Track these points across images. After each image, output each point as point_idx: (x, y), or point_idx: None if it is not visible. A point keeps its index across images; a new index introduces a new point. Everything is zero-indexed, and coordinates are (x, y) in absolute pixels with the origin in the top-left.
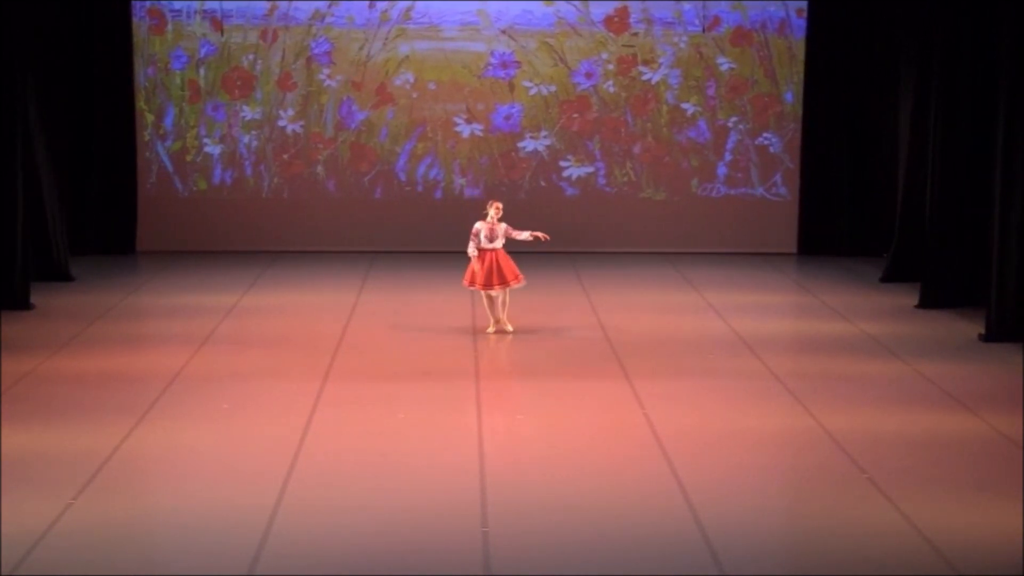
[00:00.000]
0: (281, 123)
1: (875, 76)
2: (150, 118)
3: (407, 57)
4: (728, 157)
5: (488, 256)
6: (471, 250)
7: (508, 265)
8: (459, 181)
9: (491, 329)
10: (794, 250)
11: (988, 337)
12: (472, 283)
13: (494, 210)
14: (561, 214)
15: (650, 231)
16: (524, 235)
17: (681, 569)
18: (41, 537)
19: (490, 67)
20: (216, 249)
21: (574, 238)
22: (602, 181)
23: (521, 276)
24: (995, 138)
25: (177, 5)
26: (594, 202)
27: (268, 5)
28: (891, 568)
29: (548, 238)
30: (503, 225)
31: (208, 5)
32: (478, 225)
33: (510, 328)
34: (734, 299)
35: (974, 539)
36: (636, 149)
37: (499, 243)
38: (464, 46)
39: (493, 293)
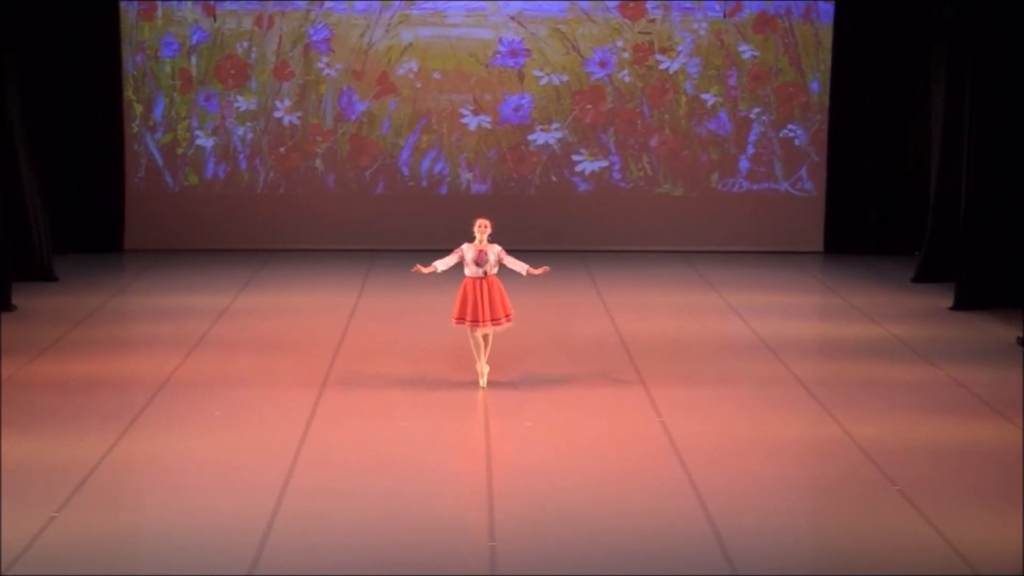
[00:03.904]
0: (277, 114)
1: (906, 64)
2: (139, 109)
3: (410, 45)
4: (750, 150)
5: (477, 285)
6: (441, 264)
7: (501, 298)
8: (465, 176)
9: (483, 381)
10: (820, 248)
11: None
12: (462, 319)
13: (480, 230)
14: (573, 211)
15: (667, 228)
16: (520, 268)
17: None
18: (22, 553)
19: (498, 55)
20: (208, 247)
21: (587, 236)
22: (617, 176)
23: (512, 314)
24: None
25: None
26: (608, 198)
27: None
28: None
29: (548, 270)
30: (496, 247)
31: None
32: (464, 247)
33: (486, 375)
34: (756, 300)
35: (1012, 555)
36: (653, 142)
37: (491, 269)
38: (471, 33)
39: (481, 332)
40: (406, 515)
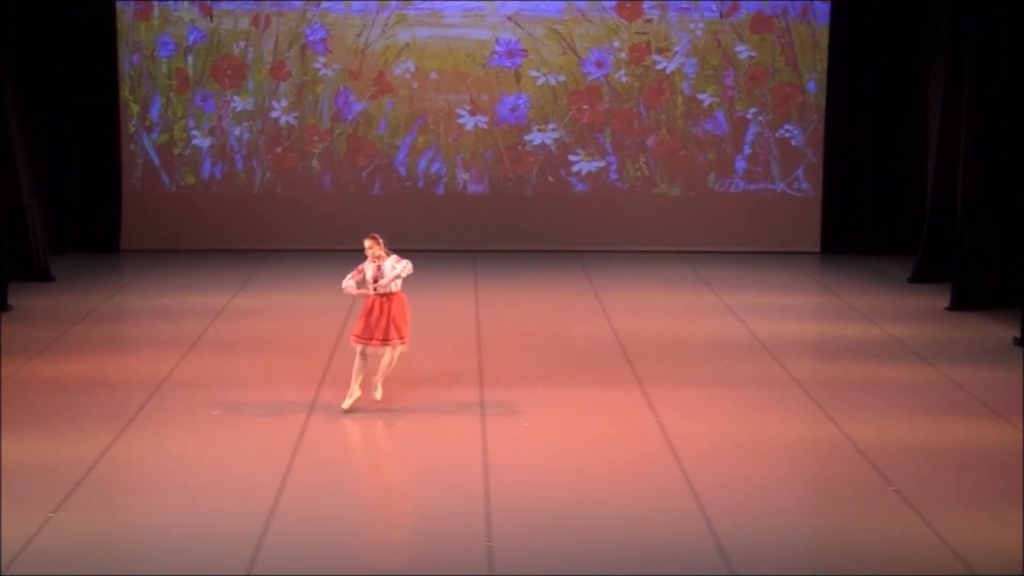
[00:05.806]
0: (274, 114)
1: (903, 64)
2: (135, 109)
3: (407, 45)
4: (747, 150)
5: (375, 303)
6: (346, 282)
7: (399, 317)
8: (462, 176)
9: (347, 402)
10: (817, 248)
11: None
12: (356, 335)
13: (371, 245)
14: (570, 211)
15: (664, 229)
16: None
17: None
18: (19, 553)
19: (495, 55)
20: (205, 247)
21: (583, 236)
22: (613, 176)
23: (407, 338)
24: None
25: None
26: (605, 198)
27: None
28: None
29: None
30: (390, 259)
31: None
32: (365, 266)
33: (378, 395)
34: (753, 300)
35: (1009, 556)
36: (650, 142)
37: (392, 285)
38: (467, 33)
39: (368, 350)
40: (403, 515)
